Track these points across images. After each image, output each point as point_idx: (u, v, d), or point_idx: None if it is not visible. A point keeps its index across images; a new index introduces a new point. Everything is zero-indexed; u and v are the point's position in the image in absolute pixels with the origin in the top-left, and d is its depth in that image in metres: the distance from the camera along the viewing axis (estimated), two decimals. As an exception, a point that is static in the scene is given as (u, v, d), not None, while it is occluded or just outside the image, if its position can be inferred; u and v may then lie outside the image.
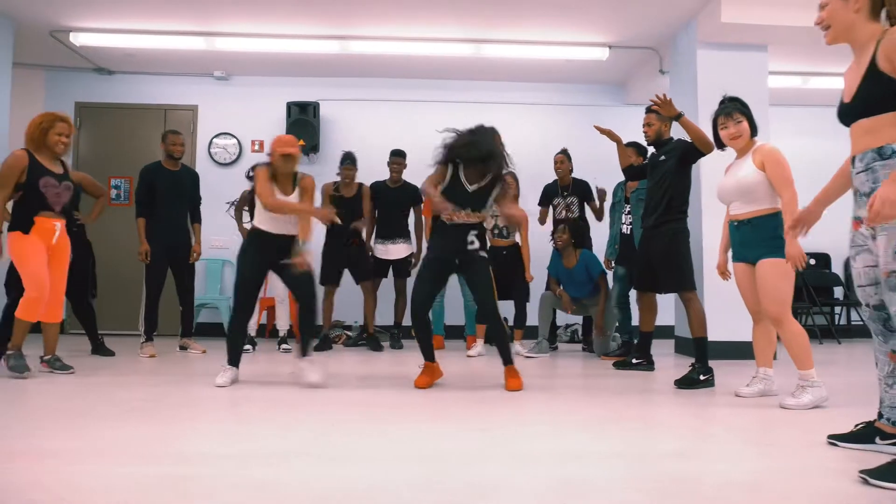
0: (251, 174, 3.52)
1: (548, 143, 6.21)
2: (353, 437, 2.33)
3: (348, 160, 5.26)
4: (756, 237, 3.06)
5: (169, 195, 4.72)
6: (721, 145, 3.31)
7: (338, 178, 5.32)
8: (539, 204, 5.43)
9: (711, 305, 4.75)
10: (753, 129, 3.18)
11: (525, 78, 6.55)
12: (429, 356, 3.50)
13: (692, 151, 3.71)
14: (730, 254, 3.36)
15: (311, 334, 3.62)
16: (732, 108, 3.17)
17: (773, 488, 1.80)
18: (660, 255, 3.77)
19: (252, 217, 3.65)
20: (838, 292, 6.93)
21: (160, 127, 6.45)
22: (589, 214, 5.34)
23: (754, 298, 3.20)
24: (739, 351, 4.54)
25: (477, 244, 3.44)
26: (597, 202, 5.28)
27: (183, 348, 4.93)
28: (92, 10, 5.14)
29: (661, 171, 3.83)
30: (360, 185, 5.35)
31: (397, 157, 5.38)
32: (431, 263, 3.51)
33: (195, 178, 4.96)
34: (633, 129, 4.64)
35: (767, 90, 4.98)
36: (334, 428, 2.49)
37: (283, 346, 5.08)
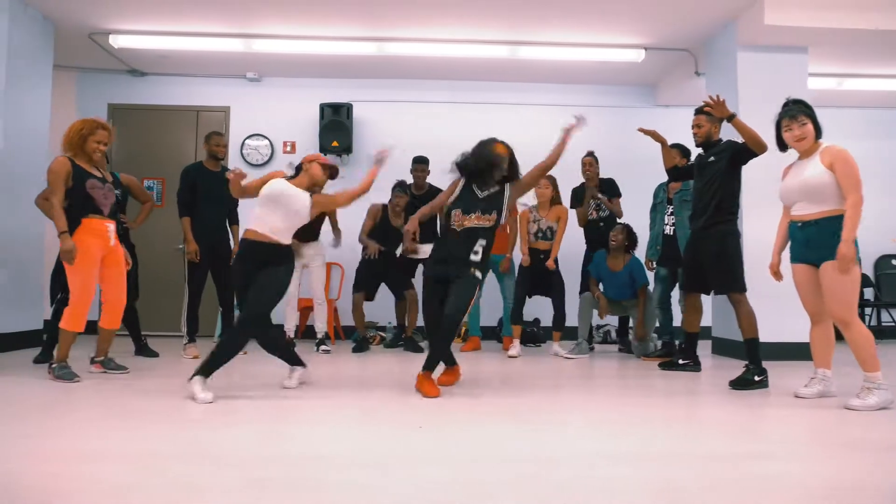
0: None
1: (577, 144, 6.18)
2: (431, 439, 2.34)
3: (399, 188, 5.30)
4: (822, 238, 3.06)
5: (209, 196, 4.71)
6: (783, 147, 3.32)
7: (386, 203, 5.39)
8: (572, 206, 5.45)
9: (757, 306, 4.76)
10: (818, 131, 3.18)
11: (556, 79, 6.56)
12: (451, 361, 3.57)
13: (744, 153, 3.72)
14: (784, 255, 3.37)
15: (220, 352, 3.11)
16: (797, 110, 3.18)
17: (878, 487, 1.80)
18: (710, 257, 3.77)
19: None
20: (868, 293, 6.92)
21: (192, 128, 6.50)
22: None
23: (815, 300, 3.21)
24: (784, 352, 4.54)
25: (479, 255, 3.37)
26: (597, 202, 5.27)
27: (223, 349, 4.93)
28: (132, 13, 5.17)
29: (711, 173, 3.83)
30: (429, 187, 5.42)
31: (420, 164, 5.37)
32: (430, 284, 3.45)
33: (235, 179, 4.96)
34: (664, 131, 4.62)
35: (808, 92, 4.97)
36: (412, 430, 2.50)
37: (322, 347, 5.09)
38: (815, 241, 3.11)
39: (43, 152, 5.14)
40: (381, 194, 5.47)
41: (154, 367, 4.16)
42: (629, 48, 5.70)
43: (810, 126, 3.18)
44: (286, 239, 3.29)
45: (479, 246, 3.38)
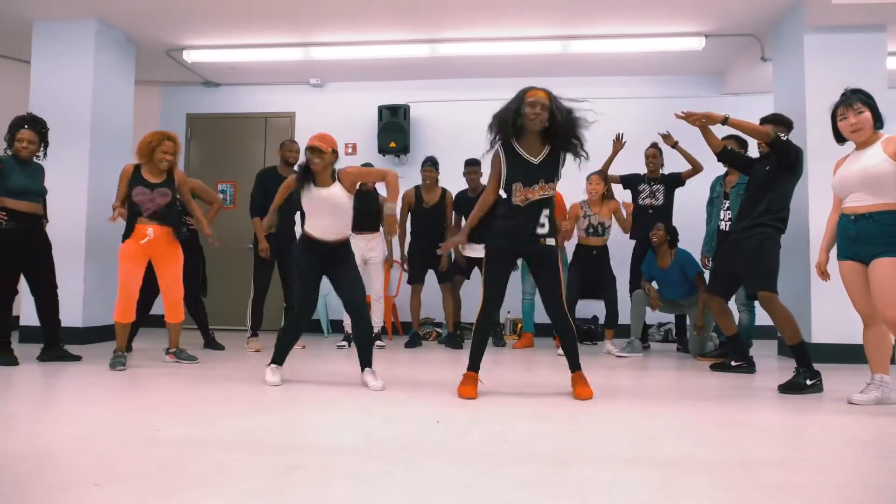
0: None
1: (640, 138, 6.03)
2: (468, 437, 2.41)
3: (429, 162, 5.38)
4: (875, 233, 2.88)
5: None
6: (840, 139, 3.12)
7: (419, 184, 5.44)
8: (625, 187, 5.34)
9: (820, 305, 4.50)
10: (878, 121, 2.98)
11: (615, 72, 6.40)
12: (475, 366, 3.20)
13: (776, 147, 3.53)
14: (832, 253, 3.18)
15: (370, 341, 3.47)
16: (854, 98, 2.99)
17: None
18: (746, 254, 3.62)
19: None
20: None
21: (261, 134, 6.87)
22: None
23: (865, 300, 3.02)
24: (850, 355, 4.26)
25: (547, 227, 3.10)
26: (623, 212, 5.05)
27: (285, 343, 5.21)
28: (202, 29, 5.55)
29: (762, 177, 3.68)
30: (444, 191, 5.43)
31: (472, 167, 5.36)
32: (500, 257, 3.15)
33: (299, 183, 5.21)
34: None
35: (886, 73, 4.61)
36: (440, 424, 2.58)
37: (377, 342, 5.26)
38: (866, 235, 2.92)
39: (126, 160, 5.60)
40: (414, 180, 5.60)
41: (219, 358, 4.46)
42: (688, 36, 5.48)
43: (868, 114, 2.98)
44: (345, 233, 3.45)
45: (545, 217, 3.11)
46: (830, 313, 4.42)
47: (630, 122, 6.41)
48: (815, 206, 4.55)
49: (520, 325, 5.96)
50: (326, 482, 1.82)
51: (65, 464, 1.97)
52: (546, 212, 3.10)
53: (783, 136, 3.58)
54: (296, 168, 3.77)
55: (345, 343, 5.18)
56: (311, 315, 3.51)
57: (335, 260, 3.41)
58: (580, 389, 3.11)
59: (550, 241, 3.15)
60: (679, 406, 3.04)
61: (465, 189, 5.45)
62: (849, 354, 4.28)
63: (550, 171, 3.09)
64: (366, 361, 3.42)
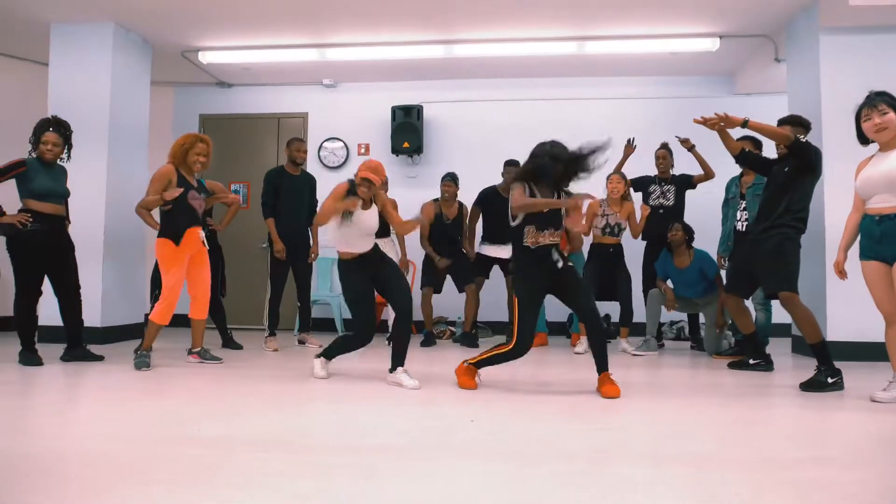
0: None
1: (654, 137, 6.06)
2: (501, 435, 2.45)
3: (448, 177, 5.44)
4: (901, 233, 2.91)
5: (290, 198, 5.02)
6: (864, 140, 3.16)
7: (437, 197, 5.51)
8: (635, 189, 5.36)
9: (836, 304, 4.54)
10: None
11: (627, 72, 6.43)
12: (480, 366, 3.42)
13: (795, 149, 3.56)
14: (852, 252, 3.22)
15: (406, 341, 3.54)
16: (878, 100, 3.03)
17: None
18: (766, 254, 3.65)
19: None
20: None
21: (274, 134, 6.91)
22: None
23: (888, 299, 3.06)
24: (866, 352, 4.31)
25: (561, 261, 3.32)
26: (638, 216, 5.08)
27: (301, 342, 5.26)
28: (218, 30, 5.58)
29: (781, 179, 3.70)
30: (461, 204, 5.51)
31: (511, 167, 5.33)
32: (531, 298, 3.31)
33: (313, 182, 5.25)
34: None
35: (901, 75, 4.64)
36: (476, 423, 2.62)
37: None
38: (891, 236, 2.97)
39: (143, 162, 5.67)
40: (433, 192, 5.65)
41: (239, 358, 4.50)
42: (703, 37, 5.51)
43: (892, 115, 3.01)
44: (369, 245, 3.59)
45: (557, 255, 3.31)
46: (846, 312, 4.46)
47: (641, 123, 6.46)
48: (832, 206, 4.58)
49: (533, 324, 5.99)
50: (371, 481, 1.85)
51: (110, 464, 2.00)
52: (555, 250, 3.30)
53: (802, 139, 3.61)
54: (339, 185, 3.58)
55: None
56: (372, 335, 3.60)
57: (376, 265, 3.57)
58: (608, 388, 3.17)
59: (568, 265, 3.35)
60: (701, 404, 3.08)
61: (494, 186, 5.47)
62: (865, 352, 4.32)
63: (559, 219, 3.30)
64: (399, 361, 3.47)
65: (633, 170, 5.56)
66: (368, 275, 3.56)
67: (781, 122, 3.81)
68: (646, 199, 5.31)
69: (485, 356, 3.39)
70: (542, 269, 3.29)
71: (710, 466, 2.01)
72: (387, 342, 5.28)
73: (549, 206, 3.24)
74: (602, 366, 3.27)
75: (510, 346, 3.28)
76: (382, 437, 2.40)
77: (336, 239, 3.53)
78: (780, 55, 5.48)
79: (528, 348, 3.29)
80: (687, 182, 5.27)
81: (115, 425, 2.53)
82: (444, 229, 5.42)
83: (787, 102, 5.25)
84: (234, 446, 2.20)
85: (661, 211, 5.17)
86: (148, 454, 2.08)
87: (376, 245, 3.63)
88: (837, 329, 4.53)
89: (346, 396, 3.22)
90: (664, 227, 4.94)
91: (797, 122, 3.78)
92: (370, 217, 3.53)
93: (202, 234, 4.07)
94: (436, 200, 5.48)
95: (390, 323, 5.31)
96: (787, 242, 3.63)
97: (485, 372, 3.47)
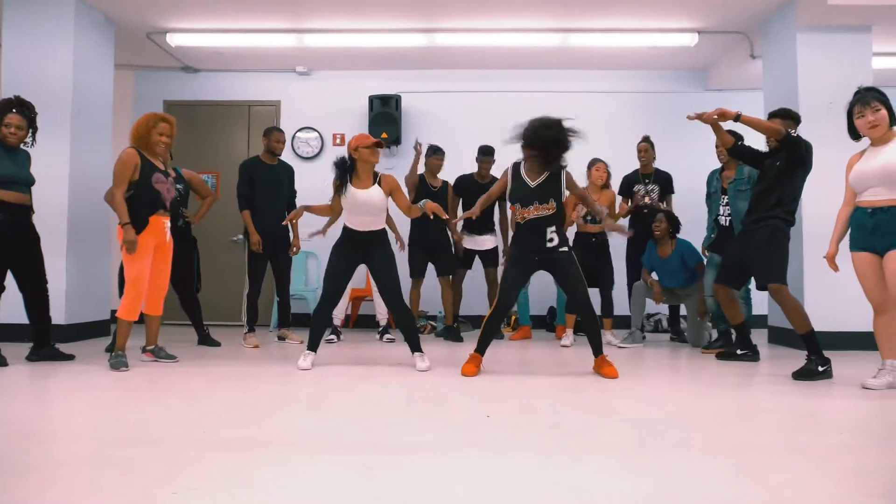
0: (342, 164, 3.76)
1: (628, 130, 6.14)
2: (500, 429, 2.39)
3: (434, 151, 5.34)
4: (892, 225, 3.02)
5: (267, 189, 4.82)
6: (856, 136, 3.25)
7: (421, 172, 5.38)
8: (619, 193, 5.41)
9: (814, 294, 4.69)
10: (893, 118, 3.11)
11: (607, 66, 6.48)
12: (482, 350, 3.62)
13: (787, 143, 3.63)
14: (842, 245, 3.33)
15: (412, 327, 3.81)
16: (870, 96, 3.12)
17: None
18: (757, 246, 3.72)
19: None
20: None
21: (244, 122, 6.65)
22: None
23: (879, 289, 3.17)
24: (844, 341, 4.48)
25: (556, 240, 3.50)
26: (643, 202, 5.25)
27: (281, 339, 5.08)
28: (188, 12, 5.31)
29: (773, 173, 3.76)
30: (445, 182, 5.41)
31: (486, 156, 5.33)
32: (516, 262, 3.59)
33: (291, 172, 5.07)
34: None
35: (871, 72, 4.82)
36: (481, 419, 2.56)
37: (386, 336, 5.21)
38: (884, 228, 3.07)
39: (106, 149, 5.35)
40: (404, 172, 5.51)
41: (219, 356, 4.30)
42: (682, 32, 5.58)
43: (884, 112, 3.11)
44: (380, 225, 3.79)
45: (552, 233, 3.50)
46: (824, 302, 4.61)
47: (619, 116, 6.55)
48: (808, 199, 4.66)
49: (514, 318, 5.98)
50: (411, 480, 1.77)
51: (130, 472, 1.85)
52: (552, 228, 3.49)
53: (793, 133, 3.69)
54: (336, 164, 3.78)
55: (333, 337, 5.09)
56: (333, 304, 3.84)
57: (371, 248, 3.75)
58: (607, 369, 3.46)
59: (563, 249, 3.53)
60: (710, 394, 3.10)
61: (470, 174, 5.43)
62: (842, 341, 4.49)
63: (546, 194, 3.47)
64: (414, 346, 3.77)
65: (615, 164, 5.62)
66: (358, 255, 3.76)
67: (772, 115, 3.88)
68: (631, 200, 5.35)
69: (479, 338, 3.62)
70: (528, 243, 3.52)
71: (748, 454, 2.02)
72: (377, 336, 5.21)
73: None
74: (597, 350, 3.55)
75: (492, 308, 3.56)
76: (405, 436, 2.31)
77: (346, 216, 3.77)
78: (755, 52, 5.61)
79: (510, 305, 3.56)
80: (669, 182, 5.35)
81: (113, 430, 2.35)
82: (431, 197, 5.19)
83: (761, 98, 5.39)
84: (253, 448, 2.07)
85: (645, 210, 5.22)
86: (167, 459, 1.94)
87: (382, 232, 3.79)
88: (815, 319, 4.66)
89: (354, 392, 3.10)
90: (648, 226, 5.00)
91: (787, 116, 3.85)
92: (371, 196, 3.68)
93: (167, 223, 3.82)
94: (420, 175, 5.36)
95: (380, 316, 5.25)
96: (777, 234, 3.71)
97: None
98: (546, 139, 3.38)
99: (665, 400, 2.98)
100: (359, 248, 3.75)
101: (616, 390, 3.18)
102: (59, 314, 4.75)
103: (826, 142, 4.06)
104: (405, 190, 4.88)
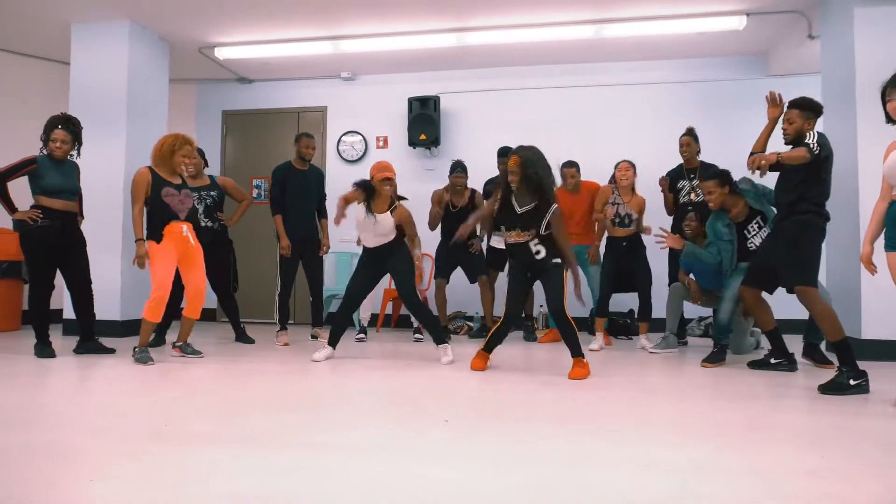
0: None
1: (679, 123, 5.78)
2: (494, 438, 2.33)
3: (459, 168, 5.28)
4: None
5: (298, 193, 5.00)
6: (891, 120, 2.91)
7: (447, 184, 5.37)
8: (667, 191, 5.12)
9: (871, 299, 4.22)
10: None
11: (650, 56, 6.16)
12: (489, 348, 3.82)
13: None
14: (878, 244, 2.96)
15: (430, 323, 4.16)
16: None
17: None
18: (784, 245, 3.41)
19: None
20: None
21: (294, 128, 6.91)
22: None
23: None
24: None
25: (543, 253, 3.61)
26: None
27: (314, 337, 5.24)
28: (233, 26, 5.59)
29: (795, 170, 3.43)
30: (473, 191, 5.36)
31: (503, 157, 5.21)
32: (513, 271, 3.85)
33: (321, 176, 5.23)
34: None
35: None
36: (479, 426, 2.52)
37: (416, 335, 5.28)
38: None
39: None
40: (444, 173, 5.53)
41: (243, 352, 4.51)
42: (729, 15, 5.19)
43: None
44: (391, 238, 4.09)
45: (536, 247, 3.62)
46: (884, 308, 4.14)
47: (666, 109, 6.20)
48: (866, 192, 4.25)
49: (546, 318, 5.84)
50: (324, 482, 1.77)
51: (61, 460, 1.99)
52: (535, 242, 3.61)
53: (812, 143, 3.34)
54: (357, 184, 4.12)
55: (362, 335, 5.20)
56: (351, 309, 4.20)
57: (387, 257, 4.11)
58: (573, 371, 3.54)
59: (556, 260, 3.62)
60: (707, 407, 2.88)
61: (495, 176, 5.32)
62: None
63: (529, 222, 3.59)
64: (436, 338, 4.11)
65: (662, 157, 5.36)
66: (376, 265, 4.15)
67: (792, 104, 3.56)
68: (676, 197, 5.05)
69: (487, 339, 3.85)
70: (518, 259, 3.73)
71: (714, 476, 1.85)
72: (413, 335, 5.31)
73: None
74: (574, 352, 3.62)
75: (503, 316, 3.76)
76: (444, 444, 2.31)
77: (362, 235, 4.13)
78: (813, 31, 5.12)
79: (516, 315, 3.76)
80: None
81: (109, 418, 2.53)
82: (451, 218, 5.23)
83: (821, 82, 4.91)
84: (312, 450, 2.16)
85: (690, 208, 4.91)
86: (138, 449, 2.06)
87: (396, 240, 4.10)
88: (873, 326, 4.22)
89: (387, 394, 3.15)
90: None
91: (807, 107, 3.51)
92: (384, 222, 4.02)
93: (185, 229, 4.05)
94: (446, 188, 5.36)
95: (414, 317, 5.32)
96: (808, 229, 3.39)
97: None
98: (539, 179, 3.53)
99: (629, 410, 2.80)
100: (376, 261, 4.14)
101: (594, 397, 3.02)
102: (114, 311, 5.21)
103: (885, 129, 3.61)
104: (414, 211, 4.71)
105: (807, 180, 3.38)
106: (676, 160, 5.21)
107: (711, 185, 4.10)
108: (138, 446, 2.11)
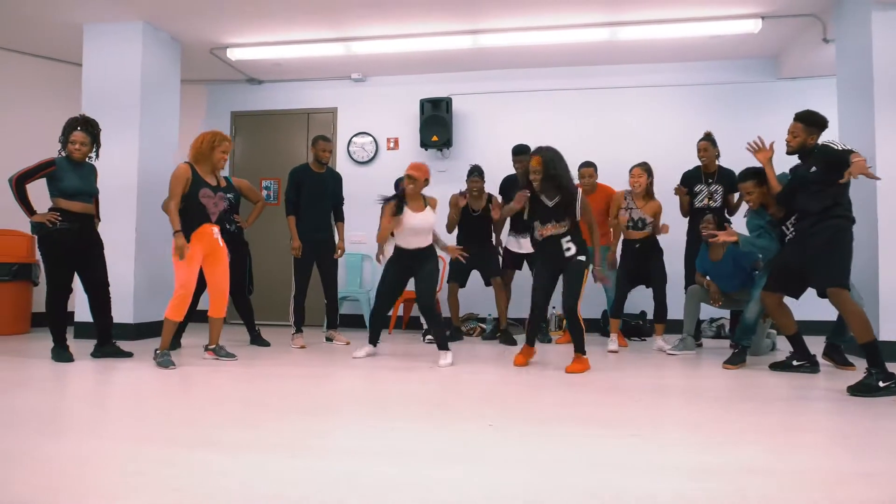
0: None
1: (690, 125, 5.81)
2: (509, 439, 2.33)
3: (475, 173, 5.28)
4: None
5: (313, 195, 4.98)
6: None
7: (464, 189, 5.34)
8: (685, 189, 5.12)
9: (890, 299, 4.24)
10: None
11: (665, 58, 6.17)
12: (531, 341, 4.11)
13: (835, 165, 3.34)
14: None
15: (438, 329, 4.26)
16: None
17: None
18: (817, 247, 3.44)
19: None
20: None
21: (304, 130, 6.90)
22: None
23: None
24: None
25: (573, 250, 3.86)
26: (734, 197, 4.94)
27: (329, 339, 5.22)
28: (246, 27, 5.57)
29: (815, 180, 3.48)
30: (490, 196, 5.36)
31: (519, 156, 5.20)
32: (541, 268, 4.03)
33: (338, 179, 5.19)
34: (789, 106, 4.26)
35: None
36: (485, 429, 2.51)
37: (428, 337, 5.26)
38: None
39: (172, 159, 5.71)
40: (459, 185, 5.53)
41: (259, 355, 4.48)
42: (744, 18, 5.22)
43: None
44: (427, 242, 4.22)
45: (568, 243, 3.87)
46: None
47: (680, 111, 6.22)
48: (883, 194, 4.28)
49: (564, 321, 5.83)
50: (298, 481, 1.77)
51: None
52: (567, 238, 3.87)
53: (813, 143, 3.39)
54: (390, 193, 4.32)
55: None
56: (386, 307, 4.36)
57: (418, 261, 4.22)
58: (574, 366, 3.82)
59: (581, 258, 3.88)
60: (729, 410, 2.88)
61: (514, 174, 5.36)
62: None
63: (561, 213, 3.85)
64: (441, 345, 4.17)
65: (674, 159, 5.37)
66: (405, 267, 4.24)
67: (797, 117, 3.63)
68: (692, 201, 5.05)
69: (526, 335, 4.16)
70: (549, 253, 3.93)
71: (735, 479, 1.85)
72: (422, 338, 5.30)
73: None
74: (577, 349, 3.88)
75: (530, 310, 4.03)
76: (477, 449, 2.30)
77: (397, 236, 4.23)
78: (828, 35, 5.15)
79: (542, 307, 4.06)
80: (734, 181, 4.98)
81: (129, 427, 2.51)
82: (470, 222, 5.29)
83: (836, 85, 4.93)
84: (349, 457, 2.14)
85: (707, 213, 4.91)
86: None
87: (431, 247, 4.24)
88: (892, 327, 4.24)
89: (410, 396, 3.14)
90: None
91: (812, 121, 3.55)
92: (425, 219, 4.16)
93: (216, 231, 4.05)
94: (463, 193, 5.36)
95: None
96: (840, 234, 3.42)
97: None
98: (560, 177, 3.79)
99: (646, 412, 2.80)
100: (408, 262, 4.23)
101: (607, 399, 3.02)
102: (127, 314, 5.17)
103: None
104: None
105: (840, 186, 3.40)
106: (690, 162, 5.21)
107: (750, 186, 4.04)
108: (176, 453, 2.09)
